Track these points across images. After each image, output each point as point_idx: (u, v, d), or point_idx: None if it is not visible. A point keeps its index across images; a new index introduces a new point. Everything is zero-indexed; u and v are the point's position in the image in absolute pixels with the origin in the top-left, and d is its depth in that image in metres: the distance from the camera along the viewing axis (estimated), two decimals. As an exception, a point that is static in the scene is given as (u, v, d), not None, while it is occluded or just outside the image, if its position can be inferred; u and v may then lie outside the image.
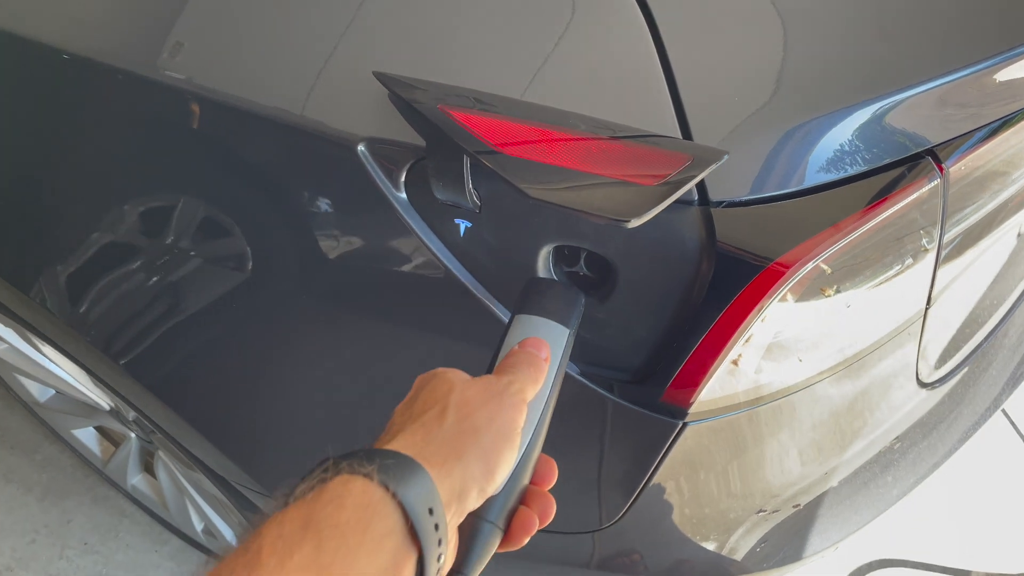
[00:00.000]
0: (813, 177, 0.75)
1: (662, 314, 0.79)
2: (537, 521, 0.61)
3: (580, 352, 0.82)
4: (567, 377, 0.80)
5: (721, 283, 0.75)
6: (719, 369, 0.79)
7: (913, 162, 0.79)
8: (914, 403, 1.08)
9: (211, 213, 0.93)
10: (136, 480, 1.72)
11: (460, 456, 0.54)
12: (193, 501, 1.55)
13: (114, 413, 1.56)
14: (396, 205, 0.80)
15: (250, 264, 0.92)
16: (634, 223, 0.60)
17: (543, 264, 0.81)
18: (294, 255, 0.90)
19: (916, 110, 0.79)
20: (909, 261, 0.86)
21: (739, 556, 1.02)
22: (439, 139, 0.72)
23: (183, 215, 0.94)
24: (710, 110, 0.75)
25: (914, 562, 1.85)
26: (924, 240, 0.85)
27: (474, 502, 0.55)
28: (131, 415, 1.47)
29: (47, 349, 1.36)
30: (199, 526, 1.64)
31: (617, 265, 0.78)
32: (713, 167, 0.63)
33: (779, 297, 0.75)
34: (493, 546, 0.59)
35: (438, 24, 0.80)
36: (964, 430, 1.20)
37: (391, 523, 0.47)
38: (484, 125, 0.67)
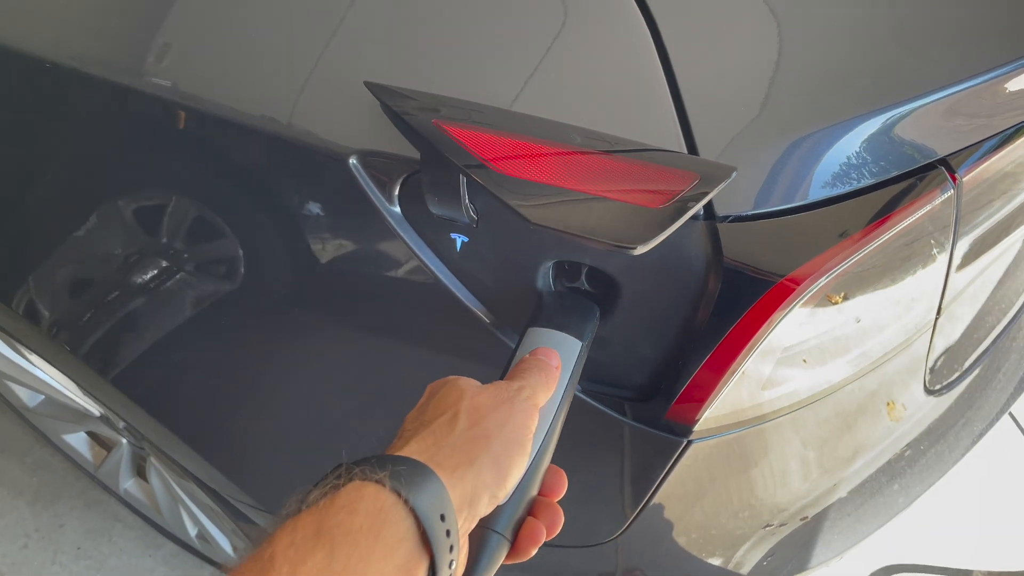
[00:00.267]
0: (822, 190, 0.72)
1: (666, 332, 0.76)
2: (545, 533, 0.60)
3: (584, 369, 0.80)
4: (569, 394, 0.77)
5: (729, 300, 0.73)
6: (726, 387, 0.76)
7: (924, 173, 0.76)
8: (923, 411, 1.06)
9: (199, 226, 0.90)
10: (129, 485, 1.69)
11: (472, 462, 0.53)
12: (186, 507, 1.53)
13: (104, 419, 1.54)
14: (390, 219, 0.77)
15: (240, 278, 0.89)
16: (640, 250, 0.57)
17: (543, 280, 0.78)
18: (284, 270, 0.87)
19: (925, 120, 0.76)
20: (920, 272, 0.83)
21: (745, 570, 1.00)
22: (434, 152, 0.69)
23: (170, 229, 0.91)
24: (715, 121, 0.72)
25: (915, 565, 1.84)
26: (936, 250, 0.83)
27: (485, 508, 0.54)
28: (121, 424, 1.44)
29: (34, 357, 1.33)
30: (193, 531, 1.61)
31: (620, 281, 0.75)
32: (721, 186, 0.61)
33: (788, 314, 0.73)
34: (500, 557, 0.58)
35: (432, 32, 0.76)
36: (974, 436, 1.18)
37: (403, 529, 0.46)
38: (481, 141, 0.64)
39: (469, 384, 0.60)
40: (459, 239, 0.77)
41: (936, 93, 0.76)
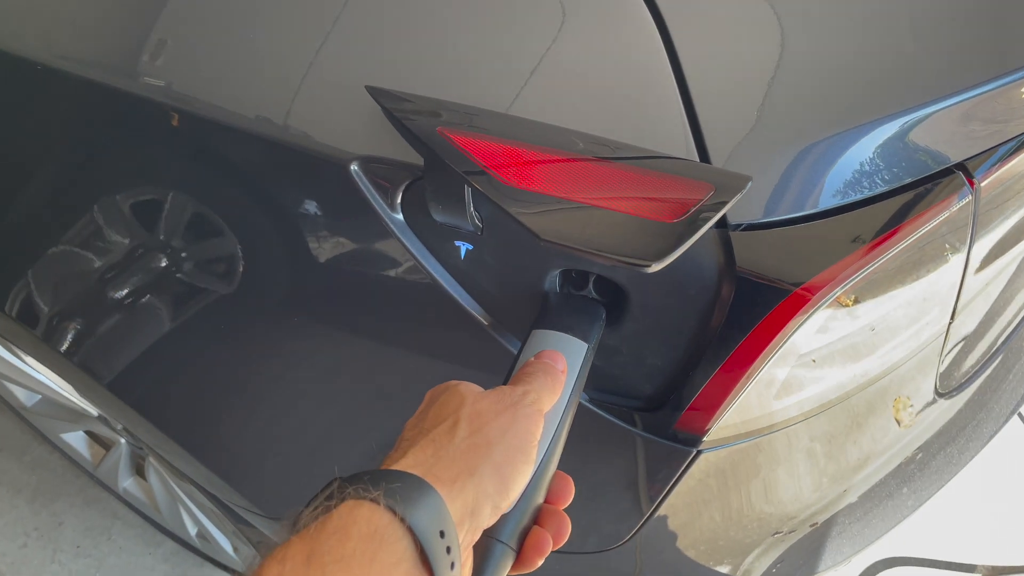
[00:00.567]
0: (837, 197, 0.70)
1: (676, 341, 0.75)
2: (551, 542, 0.58)
3: (590, 379, 0.78)
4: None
5: (742, 309, 0.71)
6: (738, 398, 0.75)
7: (940, 178, 0.74)
8: (934, 414, 1.04)
9: (196, 231, 0.88)
10: (128, 484, 1.68)
11: (472, 472, 0.51)
12: (186, 506, 1.52)
13: (102, 419, 1.52)
14: (392, 227, 0.75)
15: (239, 284, 0.87)
16: (655, 267, 0.55)
17: (549, 284, 0.76)
18: (284, 276, 0.85)
19: (941, 125, 0.74)
20: (935, 278, 0.81)
21: (753, 578, 0.99)
22: (437, 159, 0.67)
23: (167, 234, 0.89)
24: (726, 126, 0.70)
25: (919, 559, 1.83)
26: (951, 256, 0.81)
27: (488, 519, 0.52)
28: (119, 424, 1.42)
29: (29, 358, 1.31)
30: (192, 530, 1.60)
31: (629, 290, 0.73)
32: (737, 197, 0.58)
33: (804, 323, 0.71)
34: (505, 568, 0.56)
35: (436, 34, 0.74)
36: (985, 438, 1.16)
37: (400, 550, 0.44)
38: (487, 150, 0.61)
39: (470, 390, 0.58)
40: (463, 247, 0.75)
41: (952, 98, 0.74)
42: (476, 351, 0.80)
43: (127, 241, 0.92)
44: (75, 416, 1.58)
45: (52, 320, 1.02)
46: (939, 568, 1.82)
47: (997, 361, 1.15)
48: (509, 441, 0.54)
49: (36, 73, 0.90)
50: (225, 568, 1.70)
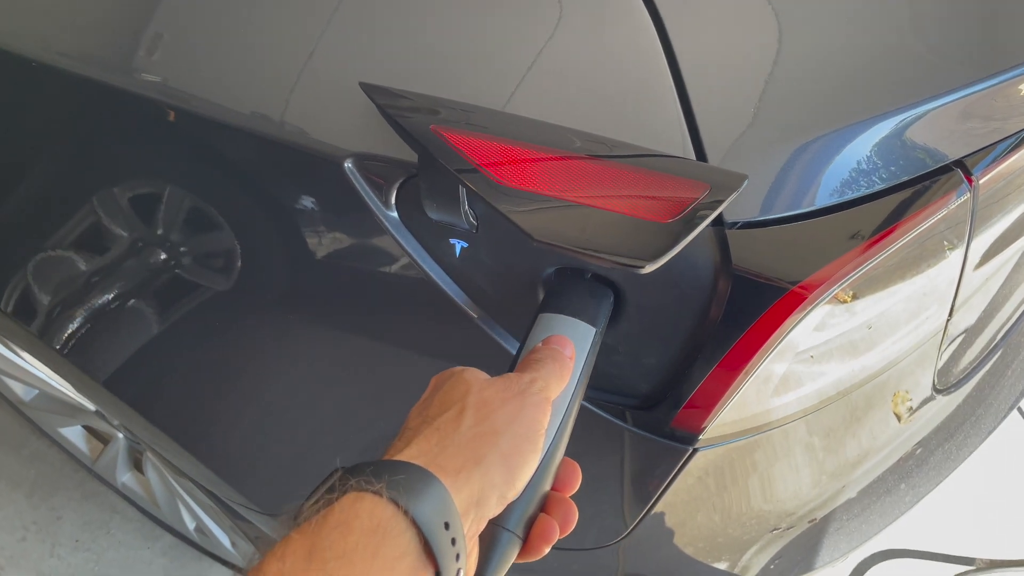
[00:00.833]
0: (834, 195, 0.70)
1: (673, 340, 0.74)
2: (558, 530, 0.57)
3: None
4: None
5: (738, 307, 0.70)
6: (735, 395, 0.74)
7: (939, 176, 0.74)
8: (933, 410, 1.04)
9: (190, 229, 0.87)
10: (126, 478, 1.68)
11: (478, 461, 0.50)
12: (184, 502, 1.51)
13: (100, 414, 1.52)
14: (387, 224, 0.75)
15: (233, 282, 0.87)
16: (649, 268, 0.54)
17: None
18: (277, 274, 0.85)
19: (939, 123, 0.73)
20: (934, 275, 0.81)
21: (752, 574, 0.98)
22: (432, 157, 0.66)
23: (161, 232, 0.88)
24: (723, 123, 0.69)
25: (918, 551, 1.83)
26: (949, 253, 0.80)
27: (494, 509, 0.51)
28: (116, 420, 1.42)
29: (26, 354, 1.31)
30: (191, 525, 1.60)
31: (625, 289, 0.73)
32: (733, 196, 0.58)
33: (801, 321, 0.71)
34: (511, 556, 0.55)
35: (430, 30, 0.73)
36: (983, 433, 1.16)
37: (404, 543, 0.44)
38: (480, 148, 0.61)
39: (476, 377, 0.56)
40: (458, 244, 0.75)
41: (950, 95, 0.73)
42: (472, 349, 0.80)
43: (120, 238, 0.92)
44: (73, 411, 1.58)
45: (47, 317, 1.01)
46: (937, 560, 1.83)
47: (996, 357, 1.14)
48: (516, 430, 0.53)
49: (29, 70, 0.89)
50: (223, 562, 1.70)
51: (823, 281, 0.68)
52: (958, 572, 1.82)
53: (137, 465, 1.67)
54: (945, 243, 0.80)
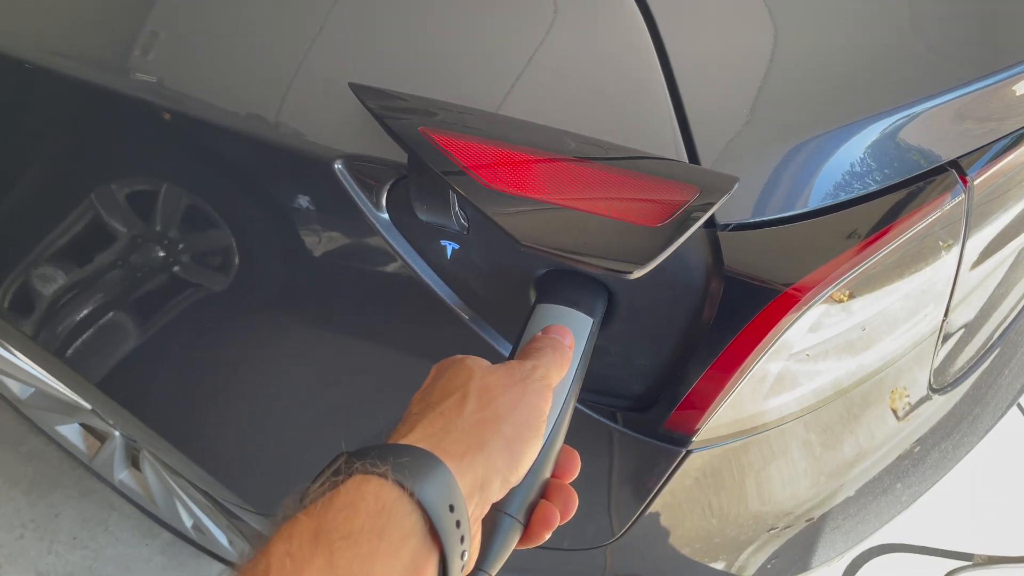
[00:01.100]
0: (828, 196, 0.69)
1: (665, 342, 0.74)
2: (559, 516, 0.58)
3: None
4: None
5: (731, 309, 0.70)
6: (728, 397, 0.74)
7: (933, 176, 0.73)
8: (930, 410, 1.03)
9: (181, 230, 0.87)
10: (123, 476, 1.68)
11: (482, 446, 0.50)
12: (181, 500, 1.51)
13: (96, 412, 1.52)
14: (378, 226, 0.74)
15: (224, 283, 0.86)
16: (637, 274, 0.54)
17: (538, 285, 0.75)
18: (269, 275, 0.84)
19: (934, 123, 0.73)
20: (929, 275, 0.81)
21: (749, 573, 0.98)
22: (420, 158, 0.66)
23: (153, 233, 0.88)
24: (715, 124, 0.69)
25: (915, 546, 1.83)
26: (945, 254, 0.80)
27: (497, 493, 0.52)
28: (111, 420, 1.42)
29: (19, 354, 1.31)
30: (188, 522, 1.60)
31: (617, 291, 0.72)
32: (723, 199, 0.57)
33: (794, 323, 0.70)
34: (513, 541, 0.56)
35: (420, 31, 0.73)
36: (980, 432, 1.15)
37: (409, 525, 0.44)
38: (469, 151, 0.60)
39: (478, 364, 0.57)
40: (449, 246, 0.74)
41: (944, 95, 0.72)
42: (463, 350, 0.79)
43: (114, 239, 0.91)
44: (69, 409, 1.58)
45: (40, 318, 1.01)
46: (935, 556, 1.82)
47: (993, 356, 1.14)
48: (518, 416, 0.53)
49: (24, 71, 0.89)
50: (221, 560, 1.70)
51: (817, 283, 0.68)
52: (955, 567, 1.82)
53: (134, 462, 1.67)
54: (940, 244, 0.79)
